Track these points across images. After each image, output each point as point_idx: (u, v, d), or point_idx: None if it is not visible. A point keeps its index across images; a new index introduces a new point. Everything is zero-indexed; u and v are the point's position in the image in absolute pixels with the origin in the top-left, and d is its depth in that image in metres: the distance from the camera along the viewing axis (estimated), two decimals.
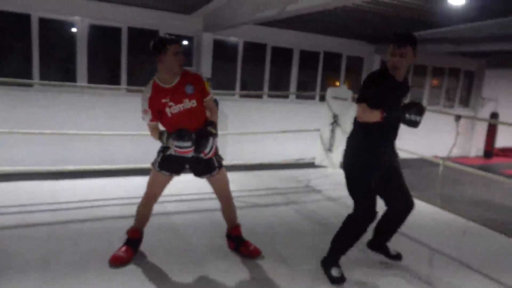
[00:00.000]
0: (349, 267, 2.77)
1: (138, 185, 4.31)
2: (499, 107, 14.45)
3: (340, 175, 5.27)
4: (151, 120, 2.70)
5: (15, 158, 6.73)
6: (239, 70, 10.01)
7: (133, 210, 2.89)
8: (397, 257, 2.99)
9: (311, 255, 2.93)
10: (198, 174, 2.83)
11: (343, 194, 4.39)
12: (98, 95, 8.39)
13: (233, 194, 2.99)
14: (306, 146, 5.77)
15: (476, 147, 14.84)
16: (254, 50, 10.18)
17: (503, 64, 13.71)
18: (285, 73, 10.72)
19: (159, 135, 2.71)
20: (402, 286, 2.64)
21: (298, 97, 10.86)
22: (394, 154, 2.87)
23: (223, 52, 9.89)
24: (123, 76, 8.74)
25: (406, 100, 2.90)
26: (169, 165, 2.76)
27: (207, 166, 2.78)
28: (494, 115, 13.99)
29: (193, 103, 2.67)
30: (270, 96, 10.45)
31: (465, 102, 14.59)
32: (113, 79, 8.78)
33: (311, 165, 5.27)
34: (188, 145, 2.54)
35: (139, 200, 2.85)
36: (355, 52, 11.57)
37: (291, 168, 5.29)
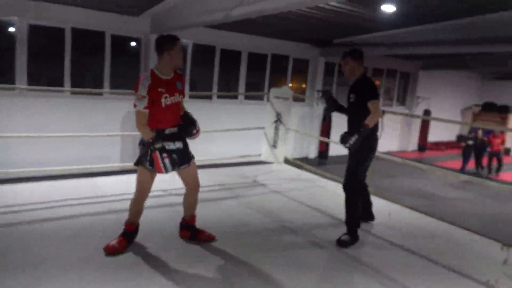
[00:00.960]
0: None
1: (86, 186, 4.35)
2: (431, 105, 15.74)
3: (284, 170, 5.66)
4: (145, 107, 2.81)
5: None
6: (188, 72, 10.10)
7: (82, 210, 2.95)
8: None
9: (258, 244, 3.19)
10: (180, 164, 3.00)
11: (288, 187, 4.74)
12: (39, 97, 8.11)
13: (182, 191, 3.18)
14: (254, 144, 6.05)
15: (412, 142, 16.05)
16: (203, 52, 10.33)
17: (435, 66, 14.97)
18: (234, 75, 10.98)
19: (153, 138, 2.83)
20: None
21: (246, 97, 11.15)
22: None
23: None
24: (67, 78, 8.51)
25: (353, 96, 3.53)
26: (152, 162, 2.91)
27: (186, 156, 3.03)
28: (427, 112, 15.21)
29: (180, 98, 2.98)
30: (219, 97, 10.64)
31: (402, 101, 15.72)
32: (56, 81, 8.51)
33: (258, 162, 5.57)
34: (170, 168, 2.90)
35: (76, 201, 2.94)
36: (301, 55, 12.09)
37: (239, 166, 5.55)
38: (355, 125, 3.38)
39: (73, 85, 8.53)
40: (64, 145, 8.01)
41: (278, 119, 4.84)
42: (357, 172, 3.40)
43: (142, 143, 2.96)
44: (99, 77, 8.93)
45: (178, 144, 2.98)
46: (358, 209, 3.43)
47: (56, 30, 8.27)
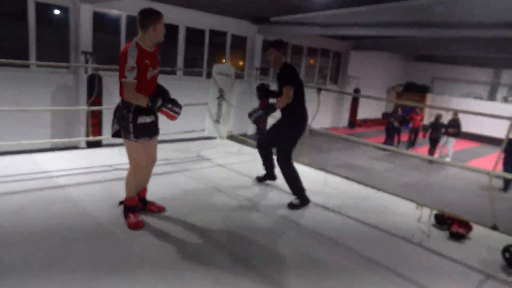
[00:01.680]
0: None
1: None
2: (361, 84, 16.78)
3: (227, 145, 5.83)
4: (134, 78, 2.78)
5: None
6: (122, 45, 9.67)
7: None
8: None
9: (201, 210, 3.34)
10: (152, 135, 3.08)
11: (231, 161, 4.92)
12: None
13: (126, 166, 3.21)
14: (196, 120, 6.10)
15: (343, 119, 17.08)
16: None
17: (365, 47, 15.90)
18: (172, 50, 10.73)
19: (152, 101, 2.85)
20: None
21: (185, 73, 11.01)
22: None
23: (105, 26, 9.44)
24: None
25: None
26: (145, 131, 2.97)
27: (157, 128, 3.13)
28: (357, 91, 16.20)
29: (158, 71, 3.01)
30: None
31: (334, 80, 16.55)
32: None
33: (201, 137, 5.66)
34: (180, 111, 2.98)
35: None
36: (239, 32, 12.13)
37: (183, 141, 5.59)
38: (283, 110, 3.77)
39: None
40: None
41: (221, 95, 4.95)
42: (288, 151, 3.82)
43: (121, 117, 2.92)
44: (24, 48, 8.23)
45: (153, 117, 3.02)
46: (296, 177, 3.80)
47: None
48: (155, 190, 3.52)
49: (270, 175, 4.25)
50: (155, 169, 3.33)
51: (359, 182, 4.46)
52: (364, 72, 17.21)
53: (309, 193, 3.84)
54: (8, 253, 2.51)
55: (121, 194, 3.18)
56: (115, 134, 3.03)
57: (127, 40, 9.64)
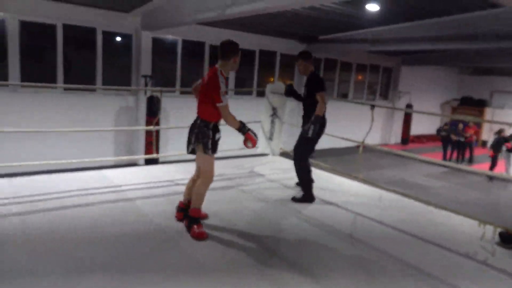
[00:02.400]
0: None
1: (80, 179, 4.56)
2: (412, 100, 16.32)
3: (279, 161, 5.96)
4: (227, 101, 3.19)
5: None
6: (179, 68, 10.27)
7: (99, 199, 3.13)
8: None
9: (254, 222, 3.48)
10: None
11: (282, 177, 5.05)
12: (33, 93, 8.18)
13: (185, 182, 3.60)
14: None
15: (395, 135, 16.62)
16: (193, 48, 10.50)
17: (416, 62, 15.53)
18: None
19: (242, 124, 3.31)
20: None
21: (236, 93, 11.39)
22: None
23: (162, 50, 10.09)
24: (59, 74, 8.58)
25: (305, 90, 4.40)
26: (217, 147, 3.35)
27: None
28: (409, 106, 15.76)
29: None
30: None
31: (384, 95, 16.24)
32: (49, 77, 8.55)
33: (254, 154, 5.84)
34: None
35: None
36: (288, 51, 12.37)
37: (237, 158, 5.81)
38: (308, 112, 4.19)
39: (66, 81, 8.63)
40: (58, 141, 8.10)
41: (274, 113, 5.12)
42: (306, 151, 4.28)
43: (200, 133, 3.23)
44: (91, 73, 9.02)
45: (220, 135, 3.37)
46: (309, 176, 4.23)
47: (47, 27, 8.34)
48: (210, 204, 3.72)
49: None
50: (212, 184, 3.55)
51: (416, 199, 4.39)
52: (416, 87, 16.73)
53: (363, 209, 3.85)
54: (92, 255, 2.80)
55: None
56: (192, 151, 3.37)
57: (183, 62, 10.25)
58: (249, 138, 3.32)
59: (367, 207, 3.91)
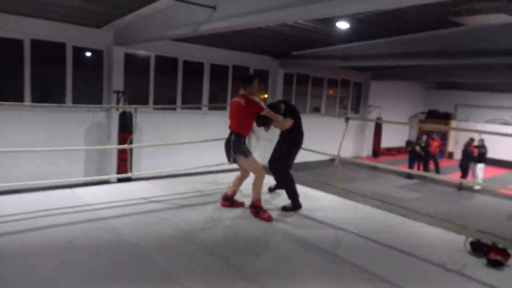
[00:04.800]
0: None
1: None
2: (382, 113, 16.82)
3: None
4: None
5: None
6: (152, 83, 10.18)
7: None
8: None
9: (237, 241, 3.45)
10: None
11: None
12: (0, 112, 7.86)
13: (161, 199, 3.84)
14: (221, 154, 6.31)
15: (366, 148, 17.02)
16: (166, 63, 10.46)
17: (385, 77, 16.08)
18: (197, 85, 11.18)
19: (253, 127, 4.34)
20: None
21: (210, 108, 11.38)
22: None
23: (135, 66, 9.98)
24: (27, 90, 8.31)
25: None
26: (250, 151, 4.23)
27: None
28: (379, 119, 16.20)
29: None
30: (183, 108, 10.79)
31: (355, 109, 16.67)
32: (16, 94, 8.26)
33: (231, 169, 5.82)
34: None
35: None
36: (262, 66, 12.54)
37: (213, 173, 5.77)
38: (285, 132, 4.74)
39: (34, 97, 8.35)
40: (28, 159, 7.80)
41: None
42: (290, 164, 4.81)
43: (238, 144, 4.06)
44: (61, 88, 8.78)
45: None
46: (294, 185, 4.61)
47: (14, 42, 8.09)
48: (193, 220, 3.65)
49: (279, 186, 5.07)
50: (188, 201, 3.52)
51: (389, 211, 4.48)
52: (385, 101, 17.30)
53: (339, 222, 3.88)
54: (67, 275, 2.67)
55: (161, 225, 3.33)
56: (234, 161, 4.17)
57: (156, 78, 10.16)
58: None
59: (343, 220, 3.96)
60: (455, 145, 18.11)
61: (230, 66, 11.77)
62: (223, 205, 4.44)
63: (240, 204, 4.49)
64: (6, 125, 7.90)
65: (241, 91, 4.19)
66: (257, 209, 4.16)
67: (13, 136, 7.83)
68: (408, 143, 15.08)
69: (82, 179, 7.93)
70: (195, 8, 6.01)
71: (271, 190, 5.21)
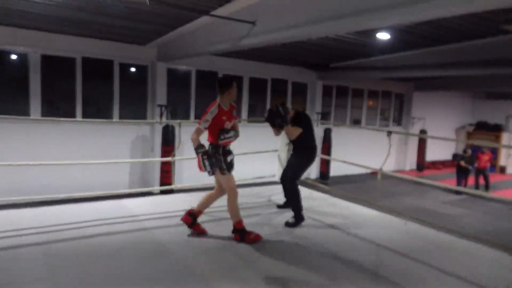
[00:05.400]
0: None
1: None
2: (427, 125, 16.21)
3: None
4: (205, 128, 3.65)
5: None
6: (193, 97, 10.46)
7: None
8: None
9: (282, 256, 3.42)
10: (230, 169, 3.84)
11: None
12: (54, 126, 8.37)
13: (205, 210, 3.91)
14: (266, 166, 6.34)
15: (410, 161, 16.41)
16: (206, 77, 10.73)
17: (429, 87, 15.51)
18: (237, 98, 11.33)
19: (198, 146, 3.61)
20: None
21: (249, 121, 11.49)
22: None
23: (176, 80, 10.32)
24: (78, 105, 8.82)
25: None
26: (231, 167, 3.81)
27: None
28: (423, 132, 15.63)
29: (235, 121, 3.92)
30: None
31: (397, 121, 16.18)
32: (68, 110, 8.79)
33: (272, 182, 5.84)
34: (209, 170, 3.68)
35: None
36: (300, 79, 12.54)
37: (254, 186, 5.80)
38: (296, 143, 4.60)
39: (84, 111, 8.86)
40: (78, 170, 8.23)
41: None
42: (296, 176, 4.56)
43: (211, 156, 3.65)
44: (109, 103, 9.26)
45: (233, 156, 3.84)
46: (298, 197, 4.42)
47: (67, 60, 8.65)
48: (226, 233, 3.69)
49: (289, 204, 4.74)
50: (227, 214, 3.56)
51: (438, 227, 4.28)
52: (430, 112, 16.67)
53: (382, 239, 3.76)
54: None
55: (200, 237, 3.39)
56: (213, 173, 3.76)
57: (197, 91, 10.45)
58: (198, 161, 3.62)
59: (385, 237, 3.82)
60: (507, 159, 17.06)
61: (269, 79, 11.87)
62: (183, 220, 3.91)
63: (201, 231, 3.88)
64: (59, 138, 8.39)
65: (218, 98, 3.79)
66: (241, 232, 3.75)
67: (66, 147, 8.30)
68: (455, 156, 14.40)
69: (129, 191, 8.25)
70: (235, 24, 6.14)
71: (280, 207, 4.98)
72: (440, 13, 4.64)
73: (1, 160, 6.14)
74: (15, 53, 8.29)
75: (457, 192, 11.93)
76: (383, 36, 7.82)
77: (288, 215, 4.46)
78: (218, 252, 3.54)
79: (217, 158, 3.68)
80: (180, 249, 3.52)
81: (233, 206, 3.75)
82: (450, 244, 4.04)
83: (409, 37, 8.12)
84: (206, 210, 4.04)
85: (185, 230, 4.00)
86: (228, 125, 3.77)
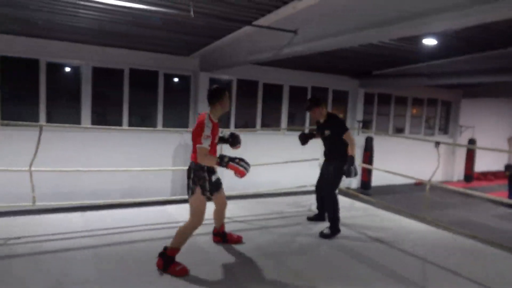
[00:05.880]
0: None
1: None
2: (476, 134, 15.40)
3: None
4: (209, 145, 3.28)
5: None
6: (234, 106, 10.61)
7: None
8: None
9: (318, 265, 3.37)
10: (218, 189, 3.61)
11: (343, 215, 4.91)
12: (101, 132, 8.80)
13: (244, 219, 3.90)
14: (307, 175, 6.29)
15: (457, 172, 15.62)
16: (247, 86, 10.86)
17: (477, 94, 14.76)
18: (277, 107, 11.39)
19: (220, 158, 3.25)
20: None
21: (288, 129, 11.47)
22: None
23: None
24: (125, 113, 9.22)
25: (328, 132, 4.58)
26: (216, 187, 3.46)
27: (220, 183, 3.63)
28: (472, 141, 14.86)
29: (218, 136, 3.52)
30: (263, 130, 11.03)
31: (444, 130, 15.49)
32: (115, 118, 9.22)
33: (313, 191, 5.78)
34: (248, 167, 3.28)
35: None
36: (340, 86, 12.37)
37: (295, 195, 5.77)
38: (332, 151, 4.54)
39: (131, 120, 9.25)
40: (124, 176, 8.58)
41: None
42: (336, 185, 4.53)
43: (196, 177, 3.33)
44: (153, 112, 9.61)
45: (217, 175, 3.53)
46: (337, 208, 4.38)
47: (116, 72, 9.09)
48: (267, 242, 3.68)
49: (320, 216, 4.76)
50: (268, 223, 3.55)
51: (491, 243, 4.04)
52: (479, 120, 15.83)
53: (429, 253, 3.59)
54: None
55: (245, 245, 3.41)
56: (193, 193, 3.35)
57: (238, 100, 10.59)
58: (233, 169, 3.24)
59: (437, 254, 3.65)
60: None
61: (309, 87, 11.81)
62: (215, 241, 3.93)
63: (237, 240, 3.89)
64: (107, 145, 8.80)
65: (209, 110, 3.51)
66: (167, 259, 3.27)
67: (113, 154, 8.68)
68: (508, 167, 13.54)
69: (172, 197, 8.48)
70: (277, 33, 6.18)
71: (310, 219, 4.85)
72: (483, 20, 4.42)
73: (53, 166, 6.51)
74: (69, 66, 8.82)
75: (510, 206, 11.21)
76: (430, 42, 7.56)
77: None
78: (259, 258, 3.54)
79: (201, 177, 3.33)
80: (222, 256, 3.56)
81: (186, 231, 3.33)
82: (497, 261, 3.80)
83: (456, 42, 7.79)
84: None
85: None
86: (216, 139, 3.48)
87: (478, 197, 6.49)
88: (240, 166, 3.23)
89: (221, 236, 3.87)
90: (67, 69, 8.88)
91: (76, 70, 8.83)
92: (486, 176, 16.23)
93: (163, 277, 3.12)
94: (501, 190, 12.91)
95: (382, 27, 4.52)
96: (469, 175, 15.43)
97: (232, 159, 3.24)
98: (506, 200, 7.24)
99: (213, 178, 3.41)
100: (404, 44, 8.07)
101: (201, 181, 3.31)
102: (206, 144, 3.24)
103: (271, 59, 7.57)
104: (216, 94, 3.43)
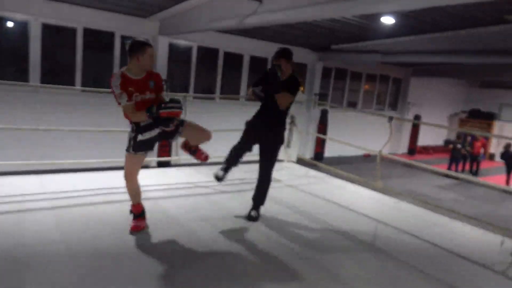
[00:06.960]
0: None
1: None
2: (421, 111, 16.40)
3: (295, 167, 6.11)
4: (127, 100, 3.07)
5: None
6: (193, 73, 10.45)
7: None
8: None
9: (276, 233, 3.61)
10: (171, 138, 3.42)
11: (298, 182, 5.18)
12: (52, 95, 8.36)
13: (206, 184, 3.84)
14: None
15: (402, 145, 16.69)
16: (207, 54, 10.70)
17: (426, 73, 15.64)
18: (236, 76, 11.36)
19: (147, 109, 3.04)
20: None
21: (246, 99, 11.55)
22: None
23: (177, 55, 10.27)
24: (78, 76, 8.79)
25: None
26: (142, 146, 3.26)
27: (171, 133, 3.31)
28: (417, 117, 15.85)
29: (152, 95, 3.20)
30: (222, 98, 11.01)
31: (393, 106, 16.34)
32: (67, 79, 8.76)
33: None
34: (180, 105, 3.08)
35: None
36: (300, 59, 12.53)
37: (253, 163, 5.93)
38: (280, 117, 3.93)
39: (84, 82, 8.82)
40: (75, 140, 8.29)
41: (293, 121, 5.26)
42: (274, 163, 3.97)
43: (129, 136, 3.26)
44: (108, 75, 9.21)
45: (156, 131, 3.24)
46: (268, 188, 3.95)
47: (68, 30, 8.56)
48: (232, 207, 3.84)
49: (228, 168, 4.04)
50: (231, 188, 3.66)
51: (432, 207, 4.49)
52: (425, 98, 16.86)
53: (383, 218, 3.94)
54: (124, 249, 2.94)
55: (205, 206, 3.54)
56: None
57: (197, 68, 10.43)
58: (168, 114, 3.04)
59: (384, 216, 4.01)
60: (497, 147, 17.41)
61: (268, 58, 11.85)
62: (182, 149, 3.72)
63: (202, 157, 3.71)
64: (57, 107, 8.37)
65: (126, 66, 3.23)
66: (135, 216, 3.39)
67: (63, 116, 8.29)
68: (447, 142, 14.69)
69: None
70: (241, 1, 6.14)
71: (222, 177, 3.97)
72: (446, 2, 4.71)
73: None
74: (14, 21, 8.16)
75: (449, 176, 12.29)
76: (388, 20, 7.86)
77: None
78: (221, 221, 3.71)
79: (129, 136, 3.25)
80: (185, 218, 3.67)
81: (129, 191, 3.34)
82: (438, 225, 4.26)
83: (413, 22, 8.17)
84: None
85: (189, 201, 4.15)
86: (138, 97, 3.12)
87: (423, 168, 7.05)
88: (171, 109, 3.05)
89: (190, 149, 3.65)
90: (13, 24, 8.22)
91: (23, 26, 8.19)
92: (427, 150, 17.49)
93: (127, 238, 3.18)
94: (441, 163, 14.02)
95: (345, 2, 4.68)
96: (413, 149, 16.56)
97: (160, 106, 3.04)
98: (450, 172, 7.93)
99: (142, 137, 3.20)
100: (364, 20, 8.33)
101: (129, 139, 3.27)
102: (123, 101, 3.07)
103: (233, 28, 7.51)
104: (135, 47, 3.11)
